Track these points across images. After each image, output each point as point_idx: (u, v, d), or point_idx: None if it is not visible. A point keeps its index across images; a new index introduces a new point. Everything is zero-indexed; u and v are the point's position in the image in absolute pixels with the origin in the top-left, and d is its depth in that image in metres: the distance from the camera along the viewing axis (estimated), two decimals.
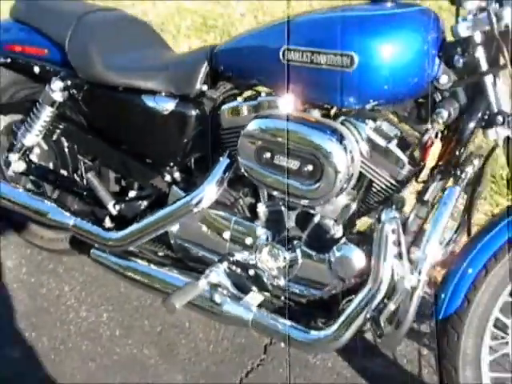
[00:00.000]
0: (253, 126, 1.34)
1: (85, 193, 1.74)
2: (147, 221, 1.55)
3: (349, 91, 1.24)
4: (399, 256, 1.26)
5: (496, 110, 1.21)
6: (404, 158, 1.28)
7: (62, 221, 1.69)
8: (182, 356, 1.67)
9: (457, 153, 1.27)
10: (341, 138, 1.26)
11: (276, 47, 1.29)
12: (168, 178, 1.58)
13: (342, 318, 1.32)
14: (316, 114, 1.33)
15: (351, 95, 1.25)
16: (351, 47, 1.20)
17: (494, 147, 1.32)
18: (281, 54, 1.28)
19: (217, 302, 1.42)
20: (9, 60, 1.73)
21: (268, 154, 1.32)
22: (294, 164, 1.29)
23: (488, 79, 1.20)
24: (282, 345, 1.62)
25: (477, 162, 1.30)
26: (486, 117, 1.23)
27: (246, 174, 1.38)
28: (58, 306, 1.84)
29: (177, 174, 1.58)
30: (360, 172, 1.30)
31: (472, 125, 1.24)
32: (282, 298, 1.45)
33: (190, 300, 1.39)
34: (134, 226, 1.57)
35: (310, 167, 1.27)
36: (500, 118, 1.20)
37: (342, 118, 1.32)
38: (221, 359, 1.66)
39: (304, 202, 1.33)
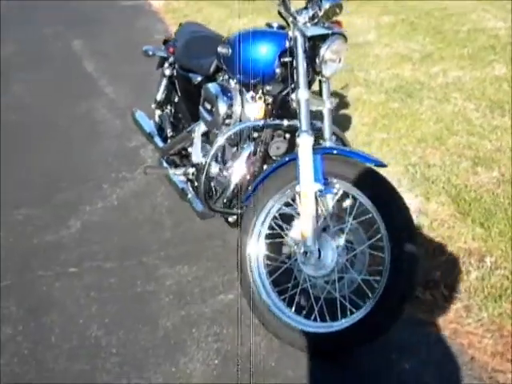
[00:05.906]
0: (204, 88, 2.53)
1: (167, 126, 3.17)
2: (175, 139, 2.89)
3: (232, 69, 2.32)
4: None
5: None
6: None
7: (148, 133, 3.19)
8: None
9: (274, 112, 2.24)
10: (229, 95, 2.35)
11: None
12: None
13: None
14: (228, 84, 2.43)
15: (235, 71, 2.33)
16: (231, 44, 2.31)
17: None
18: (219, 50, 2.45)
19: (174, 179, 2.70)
20: (166, 55, 3.28)
21: (204, 101, 2.49)
22: (209, 105, 2.43)
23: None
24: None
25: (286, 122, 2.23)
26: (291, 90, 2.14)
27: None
28: None
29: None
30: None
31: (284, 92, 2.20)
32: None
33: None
34: (170, 142, 2.93)
35: (214, 108, 2.39)
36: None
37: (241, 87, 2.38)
38: None
39: (211, 125, 2.46)
